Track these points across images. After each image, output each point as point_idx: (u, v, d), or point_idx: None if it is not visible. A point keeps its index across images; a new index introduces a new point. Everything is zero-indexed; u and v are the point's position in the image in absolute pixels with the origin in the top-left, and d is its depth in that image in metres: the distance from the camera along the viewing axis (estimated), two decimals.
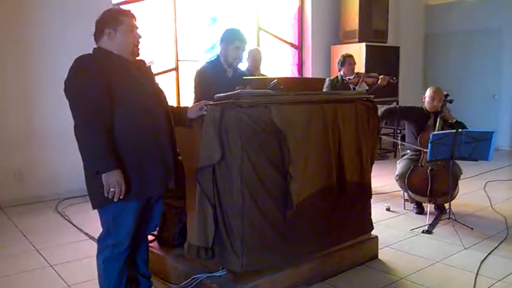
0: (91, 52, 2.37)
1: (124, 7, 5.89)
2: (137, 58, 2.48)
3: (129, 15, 2.40)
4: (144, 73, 2.47)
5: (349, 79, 5.52)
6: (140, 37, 2.43)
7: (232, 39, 3.48)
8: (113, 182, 2.18)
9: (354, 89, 5.39)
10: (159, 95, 2.49)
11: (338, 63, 5.68)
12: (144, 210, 2.47)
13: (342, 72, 5.61)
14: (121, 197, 2.22)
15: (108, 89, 2.21)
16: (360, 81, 5.41)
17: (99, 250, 2.45)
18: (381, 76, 5.48)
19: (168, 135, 2.44)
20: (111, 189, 2.19)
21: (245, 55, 5.35)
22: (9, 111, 5.11)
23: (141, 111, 2.31)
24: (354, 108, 3.06)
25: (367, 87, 5.42)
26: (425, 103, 4.62)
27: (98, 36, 2.38)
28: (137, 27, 2.42)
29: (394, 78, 5.63)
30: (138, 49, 2.43)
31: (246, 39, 3.57)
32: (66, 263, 3.45)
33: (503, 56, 8.52)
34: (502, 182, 5.97)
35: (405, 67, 8.45)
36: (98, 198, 2.26)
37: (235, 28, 3.74)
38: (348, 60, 5.58)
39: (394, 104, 7.75)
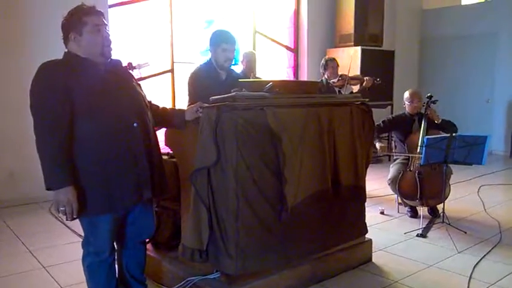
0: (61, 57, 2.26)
1: (120, 8, 5.90)
2: (113, 58, 2.34)
3: (93, 13, 2.23)
4: (118, 75, 2.33)
5: (333, 82, 5.46)
6: (109, 35, 2.27)
7: (218, 42, 3.46)
8: (62, 200, 2.07)
9: (340, 92, 5.36)
10: (134, 98, 2.34)
11: (321, 67, 5.63)
12: (127, 216, 2.43)
13: (325, 76, 5.55)
14: (74, 216, 2.11)
15: (69, 100, 2.10)
16: (345, 84, 5.39)
17: (83, 255, 2.41)
18: (366, 78, 5.48)
19: (142, 142, 2.29)
20: (61, 208, 2.07)
21: (240, 58, 5.37)
22: (3, 112, 5.08)
23: (109, 120, 2.18)
24: (349, 112, 3.07)
25: (352, 90, 5.41)
26: (406, 107, 4.68)
27: (64, 40, 2.27)
28: (105, 25, 2.26)
29: (378, 79, 5.61)
30: (109, 49, 2.27)
31: (234, 38, 3.52)
32: (60, 265, 3.43)
33: (498, 60, 8.58)
34: (496, 186, 6.00)
35: (400, 71, 8.49)
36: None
37: (222, 30, 3.68)
38: (330, 64, 5.52)
39: (388, 108, 7.85)
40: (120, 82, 2.32)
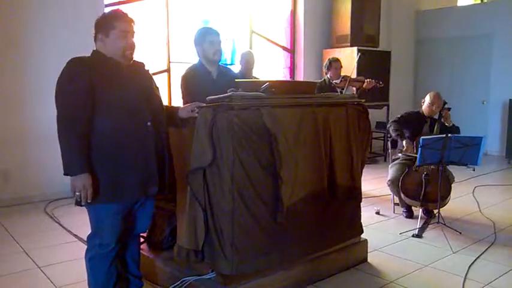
0: (88, 54, 2.39)
1: (117, 8, 5.88)
2: (137, 61, 2.48)
3: (124, 20, 2.38)
4: (138, 76, 2.46)
5: (335, 83, 5.53)
6: (134, 43, 2.41)
7: (203, 36, 3.48)
8: (78, 185, 2.20)
9: (341, 92, 5.39)
10: (150, 98, 2.47)
11: (324, 66, 5.74)
12: (131, 211, 2.49)
13: (328, 76, 5.63)
14: (89, 201, 2.23)
15: (92, 94, 2.23)
16: (347, 85, 5.43)
17: (88, 248, 2.48)
18: (367, 80, 5.52)
19: (153, 141, 2.41)
20: (77, 193, 2.21)
21: (237, 58, 5.37)
22: None
23: (125, 116, 2.31)
24: (345, 112, 3.07)
25: (354, 91, 5.44)
26: (424, 107, 4.66)
27: (94, 38, 2.41)
28: (133, 32, 2.41)
29: (381, 82, 5.64)
30: (131, 53, 2.40)
31: (217, 31, 3.55)
32: (55, 265, 3.42)
33: (493, 62, 8.61)
34: (491, 187, 6.03)
35: (396, 72, 8.50)
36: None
37: (202, 27, 3.76)
38: (334, 64, 5.61)
39: (384, 109, 7.87)
40: (140, 83, 2.45)
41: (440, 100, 4.60)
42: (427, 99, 4.64)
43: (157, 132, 2.44)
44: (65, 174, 2.22)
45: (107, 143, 2.28)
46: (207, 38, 3.44)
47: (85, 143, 2.22)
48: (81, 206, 2.30)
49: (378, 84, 5.53)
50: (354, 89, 5.61)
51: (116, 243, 2.43)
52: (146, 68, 2.57)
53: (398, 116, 4.73)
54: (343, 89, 5.44)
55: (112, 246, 2.42)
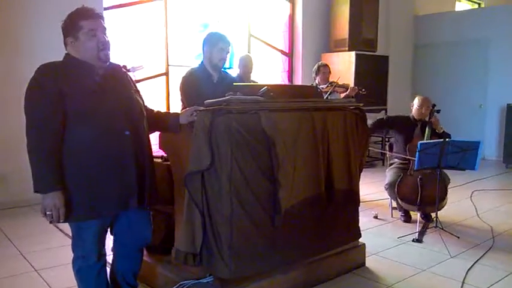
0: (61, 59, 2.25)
1: (115, 11, 5.89)
2: (113, 63, 2.33)
3: (91, 17, 2.20)
4: (115, 81, 2.30)
5: (322, 88, 5.51)
6: (105, 39, 2.21)
7: (215, 41, 3.54)
8: (49, 204, 2.06)
9: (327, 97, 5.39)
10: (129, 105, 2.30)
11: (313, 72, 5.71)
12: (127, 224, 2.42)
13: (316, 81, 5.62)
14: (61, 221, 2.10)
15: (62, 104, 2.08)
16: (331, 90, 5.43)
17: (73, 258, 2.38)
18: (351, 87, 5.55)
19: (133, 152, 2.26)
20: (48, 212, 2.07)
21: (236, 62, 5.38)
22: None
23: (100, 126, 2.16)
24: (343, 116, 3.08)
25: (340, 96, 5.45)
26: (413, 111, 4.70)
27: (64, 43, 2.26)
28: (103, 28, 2.22)
29: (363, 90, 5.66)
30: (106, 54, 2.22)
31: (230, 41, 3.62)
32: (52, 268, 3.41)
33: (490, 66, 8.65)
34: (488, 192, 6.03)
35: (394, 76, 8.53)
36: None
37: (218, 32, 3.80)
38: (322, 69, 5.60)
39: (382, 113, 7.89)
40: (117, 88, 2.29)
41: (429, 102, 4.65)
42: (416, 102, 4.69)
43: (137, 141, 2.29)
44: (35, 191, 2.06)
45: (81, 156, 2.14)
46: (219, 45, 3.51)
47: (56, 158, 2.07)
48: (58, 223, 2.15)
49: (360, 91, 5.56)
50: (342, 95, 5.60)
51: (98, 256, 2.34)
52: (128, 70, 2.51)
53: (385, 117, 4.73)
54: (327, 93, 5.42)
55: (94, 259, 2.33)
